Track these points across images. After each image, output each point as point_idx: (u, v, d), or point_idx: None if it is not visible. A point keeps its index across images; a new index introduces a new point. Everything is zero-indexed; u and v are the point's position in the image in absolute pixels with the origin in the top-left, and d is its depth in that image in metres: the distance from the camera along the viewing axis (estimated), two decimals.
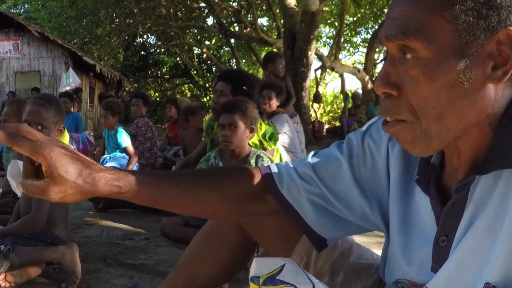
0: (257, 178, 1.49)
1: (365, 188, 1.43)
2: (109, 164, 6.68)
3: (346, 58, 31.93)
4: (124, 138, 6.83)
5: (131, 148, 6.83)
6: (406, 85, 1.06)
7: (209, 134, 4.64)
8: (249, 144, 3.76)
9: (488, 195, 1.05)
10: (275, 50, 21.12)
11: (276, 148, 4.35)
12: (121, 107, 7.15)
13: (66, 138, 6.75)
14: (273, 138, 4.28)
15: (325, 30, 29.46)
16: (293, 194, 1.47)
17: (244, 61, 30.30)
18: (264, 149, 4.10)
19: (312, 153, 1.55)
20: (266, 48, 27.01)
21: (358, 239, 1.77)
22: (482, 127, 1.07)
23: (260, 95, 6.67)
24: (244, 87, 4.33)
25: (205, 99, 29.97)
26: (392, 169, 1.37)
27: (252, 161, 3.61)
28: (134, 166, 6.79)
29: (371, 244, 3.62)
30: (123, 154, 6.85)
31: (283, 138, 6.68)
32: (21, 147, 1.15)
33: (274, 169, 1.51)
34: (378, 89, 1.10)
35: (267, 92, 6.65)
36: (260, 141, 4.15)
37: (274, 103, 6.75)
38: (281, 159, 4.34)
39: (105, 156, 7.09)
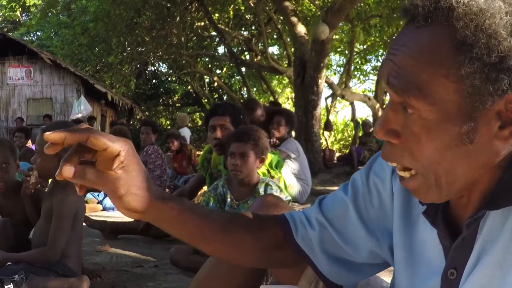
0: (277, 226, 1.48)
1: (374, 227, 1.40)
2: None
3: (357, 86, 31.87)
4: None
5: None
6: (408, 137, 1.02)
7: (205, 168, 4.62)
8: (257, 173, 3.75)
9: (498, 230, 1.03)
10: (285, 78, 21.17)
11: (280, 175, 4.35)
12: (130, 134, 7.25)
13: None
14: (279, 165, 4.26)
15: (335, 58, 29.53)
16: (307, 242, 1.44)
17: (255, 89, 30.40)
18: (272, 177, 4.08)
19: (319, 198, 1.52)
20: (277, 76, 27.12)
21: None
22: (492, 171, 1.03)
23: (270, 121, 6.73)
24: (241, 116, 4.31)
25: None
26: (395, 201, 1.34)
27: (261, 190, 3.59)
28: None
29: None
30: None
31: (293, 165, 6.68)
32: (98, 136, 1.07)
33: (289, 217, 1.49)
34: (378, 135, 1.07)
35: (277, 118, 6.73)
36: (268, 170, 4.13)
37: (283, 129, 6.83)
38: (285, 185, 4.33)
39: None
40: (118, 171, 1.12)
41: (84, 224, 4.16)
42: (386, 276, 1.69)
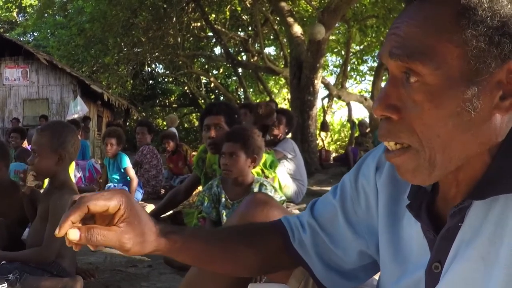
0: (275, 232, 1.50)
1: (362, 228, 1.41)
2: None
3: (353, 86, 31.93)
4: (127, 160, 6.94)
5: (132, 171, 6.91)
6: (409, 109, 1.02)
7: (200, 167, 4.62)
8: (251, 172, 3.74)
9: (482, 221, 1.02)
10: (282, 79, 21.14)
11: (275, 175, 4.34)
12: (124, 136, 7.27)
13: (72, 165, 6.79)
14: (273, 165, 4.26)
15: (332, 59, 29.54)
16: (303, 247, 1.46)
17: (251, 90, 30.38)
18: (266, 177, 4.08)
19: (312, 201, 1.54)
20: (274, 77, 27.11)
21: None
22: (482, 155, 1.03)
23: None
24: (236, 116, 4.31)
25: None
26: (380, 198, 1.34)
27: (256, 189, 3.59)
28: (135, 189, 6.84)
29: None
30: (125, 180, 6.93)
31: (289, 165, 6.70)
32: (95, 202, 1.16)
33: (286, 223, 1.51)
34: (377, 112, 1.05)
35: (279, 116, 6.85)
36: (262, 170, 4.13)
37: (283, 128, 6.90)
38: (279, 185, 4.32)
39: (109, 184, 7.14)
40: (120, 224, 1.19)
41: None
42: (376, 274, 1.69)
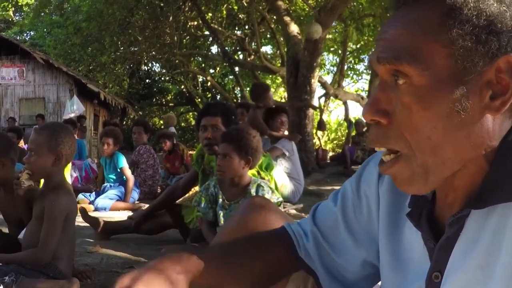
0: (280, 240, 1.48)
1: (363, 236, 1.39)
2: (109, 192, 6.78)
3: (350, 85, 31.78)
4: (123, 160, 6.94)
5: (128, 171, 6.92)
6: (398, 113, 1.01)
7: (199, 164, 4.61)
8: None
9: (480, 230, 1.01)
10: (279, 78, 21.10)
11: (270, 177, 4.34)
12: (122, 136, 7.27)
13: (68, 166, 6.77)
14: (269, 167, 4.25)
15: (329, 58, 29.47)
16: (309, 257, 1.44)
17: (248, 89, 30.35)
18: (262, 178, 4.07)
19: (314, 207, 1.52)
20: (270, 75, 27.09)
21: None
22: (478, 160, 1.02)
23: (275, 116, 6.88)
24: (233, 116, 4.30)
25: None
26: (381, 204, 1.32)
27: (253, 190, 3.59)
28: (131, 188, 6.84)
29: None
30: (121, 180, 6.94)
31: (286, 164, 6.71)
32: None
33: (290, 231, 1.49)
34: (366, 116, 1.04)
35: (280, 116, 6.91)
36: (258, 172, 4.12)
37: (285, 128, 7.00)
38: (276, 186, 4.31)
39: (105, 184, 7.11)
40: None
41: (79, 215, 4.15)
42: None
